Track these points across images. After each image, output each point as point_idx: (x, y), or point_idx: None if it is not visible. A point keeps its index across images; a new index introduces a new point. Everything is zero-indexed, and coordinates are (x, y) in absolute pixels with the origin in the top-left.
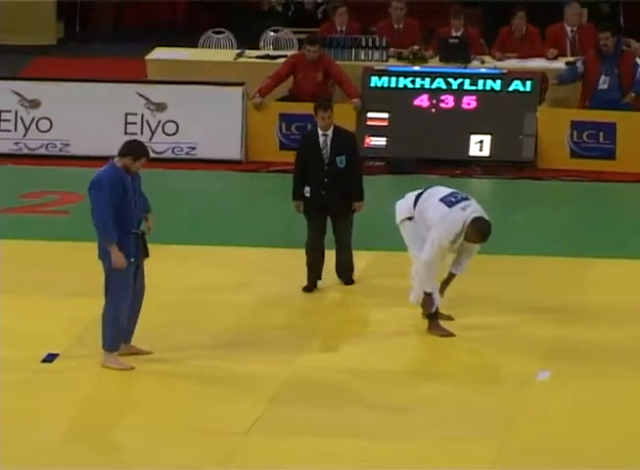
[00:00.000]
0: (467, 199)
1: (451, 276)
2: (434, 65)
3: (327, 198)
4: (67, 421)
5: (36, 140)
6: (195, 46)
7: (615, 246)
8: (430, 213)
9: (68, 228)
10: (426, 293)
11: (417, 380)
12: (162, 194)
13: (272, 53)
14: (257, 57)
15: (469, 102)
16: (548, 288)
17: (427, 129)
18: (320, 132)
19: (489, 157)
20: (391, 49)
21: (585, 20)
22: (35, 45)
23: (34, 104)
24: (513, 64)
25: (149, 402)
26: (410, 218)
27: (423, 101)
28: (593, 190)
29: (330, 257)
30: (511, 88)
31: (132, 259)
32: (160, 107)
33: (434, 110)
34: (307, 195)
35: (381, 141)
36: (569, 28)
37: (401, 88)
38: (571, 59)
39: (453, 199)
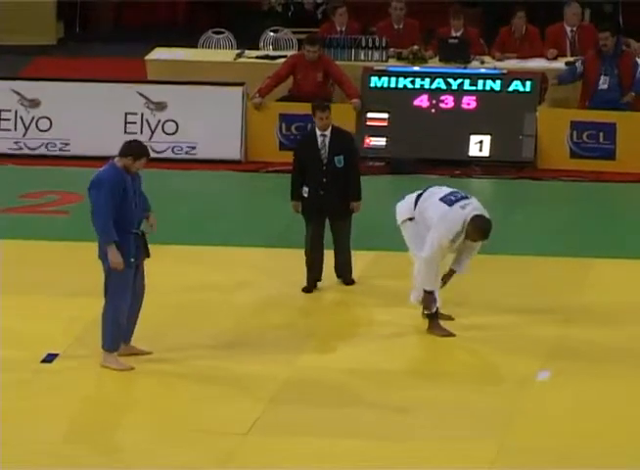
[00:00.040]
0: (467, 198)
1: (452, 272)
2: (434, 65)
3: (325, 198)
4: (67, 421)
5: (36, 139)
6: (195, 46)
7: (615, 246)
8: (430, 213)
9: (68, 228)
10: (426, 291)
11: (417, 380)
12: (162, 194)
13: (272, 53)
14: (257, 57)
15: (469, 102)
16: (548, 288)
17: (426, 129)
18: (318, 132)
19: (489, 157)
20: (391, 49)
21: (588, 20)
22: (35, 45)
23: (34, 103)
24: (513, 64)
25: (149, 402)
26: (411, 219)
27: (423, 101)
28: (593, 190)
29: (328, 257)
30: (511, 88)
31: (133, 259)
32: (160, 106)
33: (433, 110)
34: (306, 195)
35: (380, 141)
36: (568, 28)
37: (401, 88)
38: (570, 59)
39: (453, 198)
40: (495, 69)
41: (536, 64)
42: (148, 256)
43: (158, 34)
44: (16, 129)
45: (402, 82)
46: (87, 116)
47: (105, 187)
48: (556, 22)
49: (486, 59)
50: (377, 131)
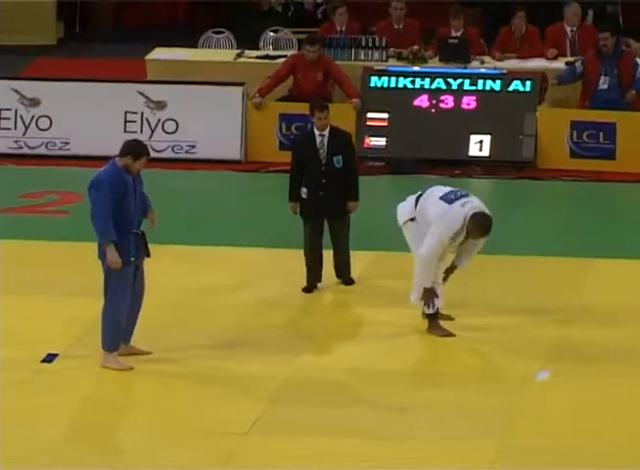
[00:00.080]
0: (466, 196)
1: (453, 268)
2: (434, 65)
3: (324, 199)
4: (67, 421)
5: (36, 138)
6: (195, 46)
7: (615, 246)
8: (430, 212)
9: (68, 228)
10: (425, 289)
11: (417, 380)
12: (162, 194)
13: (272, 53)
14: (257, 57)
15: (469, 102)
16: (548, 288)
17: (426, 129)
18: (317, 132)
19: (489, 157)
20: (391, 49)
21: (591, 20)
22: (35, 45)
23: (34, 102)
24: (513, 64)
25: (149, 402)
26: (412, 220)
27: (423, 101)
28: (593, 190)
29: (328, 257)
30: (511, 88)
31: (133, 259)
32: (160, 105)
33: (433, 110)
34: (304, 196)
35: (380, 141)
36: (568, 28)
37: (401, 88)
38: (570, 59)
39: (453, 196)
40: (495, 69)
41: (536, 64)
42: (148, 255)
43: (158, 34)
44: (16, 128)
45: (402, 82)
46: (87, 114)
47: (104, 187)
48: (556, 22)
49: (486, 59)
50: (377, 131)
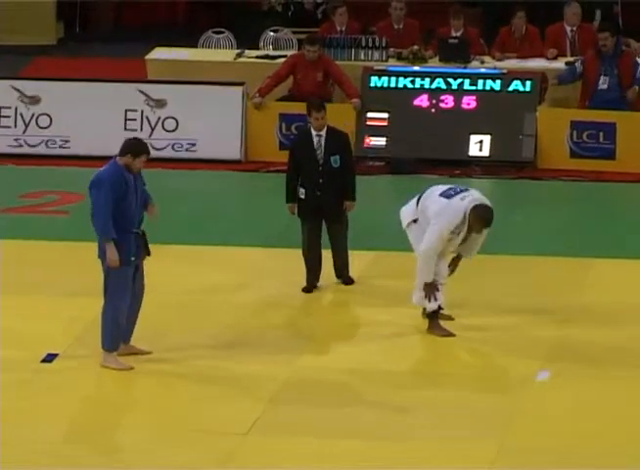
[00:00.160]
0: (466, 190)
1: (458, 258)
2: (434, 65)
3: (322, 199)
4: (67, 421)
5: (36, 137)
6: (195, 46)
7: (615, 246)
8: (430, 210)
9: (68, 228)
10: (426, 283)
11: (417, 380)
12: (162, 194)
13: (272, 53)
14: (257, 57)
15: (468, 102)
16: (548, 288)
17: (426, 129)
18: (314, 132)
19: (489, 157)
20: (391, 49)
21: (599, 20)
22: (35, 45)
23: (34, 100)
24: (512, 64)
25: (149, 402)
26: (415, 221)
27: (423, 101)
28: (593, 190)
29: (327, 257)
30: (511, 88)
31: (133, 258)
32: (160, 103)
33: (433, 110)
34: (302, 196)
35: (380, 141)
36: (568, 28)
37: (401, 88)
38: (570, 59)
39: (452, 192)
40: (495, 68)
41: (536, 64)
42: (148, 254)
43: (158, 34)
44: (16, 126)
45: (402, 82)
46: (87, 112)
47: (105, 186)
48: (556, 21)
49: (486, 59)
50: (377, 131)
